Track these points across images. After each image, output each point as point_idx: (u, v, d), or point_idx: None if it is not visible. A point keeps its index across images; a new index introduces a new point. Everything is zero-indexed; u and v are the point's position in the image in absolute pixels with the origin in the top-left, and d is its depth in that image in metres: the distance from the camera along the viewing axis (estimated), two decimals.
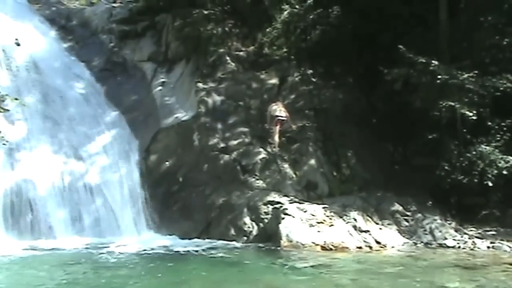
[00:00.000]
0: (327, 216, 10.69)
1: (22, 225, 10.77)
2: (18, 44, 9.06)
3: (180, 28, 14.75)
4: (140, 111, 13.62)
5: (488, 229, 11.26)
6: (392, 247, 10.39)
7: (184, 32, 14.61)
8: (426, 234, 10.99)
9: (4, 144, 9.60)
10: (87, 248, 10.12)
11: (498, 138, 11.70)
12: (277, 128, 12.52)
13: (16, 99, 9.65)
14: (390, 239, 10.60)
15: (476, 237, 10.86)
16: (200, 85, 13.66)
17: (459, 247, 10.49)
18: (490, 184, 11.18)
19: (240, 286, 7.17)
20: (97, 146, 12.54)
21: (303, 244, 10.00)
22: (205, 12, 14.65)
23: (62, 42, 15.29)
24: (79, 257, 9.30)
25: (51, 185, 11.40)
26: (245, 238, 10.74)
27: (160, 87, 14.23)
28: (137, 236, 11.31)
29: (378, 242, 10.38)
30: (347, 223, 10.67)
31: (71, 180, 11.68)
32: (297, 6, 14.68)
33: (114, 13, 16.33)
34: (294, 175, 12.03)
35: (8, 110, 9.59)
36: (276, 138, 12.50)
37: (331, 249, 9.93)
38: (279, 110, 12.59)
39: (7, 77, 12.60)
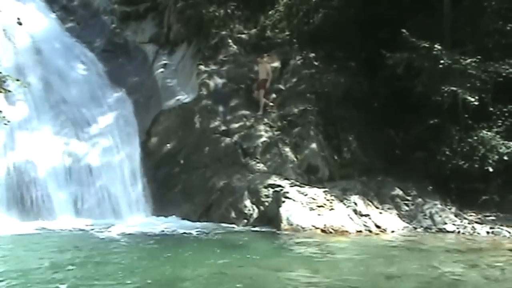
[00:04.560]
0: (328, 200, 10.73)
1: (23, 206, 10.80)
2: (20, 24, 9.02)
3: (182, 10, 14.65)
4: (142, 93, 13.61)
5: (488, 214, 11.32)
6: (392, 231, 10.45)
7: (186, 14, 14.52)
8: (426, 218, 11.04)
9: (5, 124, 9.59)
10: (87, 229, 10.15)
11: (500, 124, 11.70)
12: (263, 91, 12.73)
13: (18, 80, 9.62)
14: (390, 223, 10.65)
15: (476, 222, 10.92)
16: (202, 67, 13.61)
17: (458, 232, 10.55)
18: (491, 169, 11.20)
19: (240, 269, 7.22)
20: (99, 128, 12.53)
21: (303, 228, 10.05)
22: None
23: (64, 23, 15.20)
24: (80, 239, 9.36)
25: (52, 166, 11.42)
26: (245, 221, 10.79)
27: (161, 69, 14.19)
28: (137, 218, 11.35)
29: (378, 226, 10.44)
30: (347, 207, 10.72)
31: (72, 161, 11.69)
32: None
33: None
34: (295, 159, 12.04)
35: (9, 91, 9.57)
36: (262, 100, 12.71)
37: (331, 233, 9.98)
38: (265, 71, 12.84)
39: (8, 58, 12.54)
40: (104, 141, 12.34)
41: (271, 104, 12.90)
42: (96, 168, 11.82)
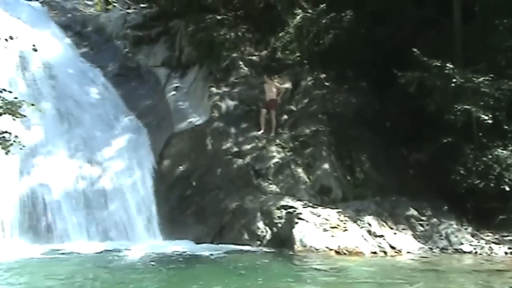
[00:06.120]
0: (341, 221, 10.63)
1: (37, 229, 10.84)
2: (35, 50, 9.16)
3: (194, 33, 14.85)
4: (154, 116, 13.72)
5: (505, 234, 11.10)
6: (408, 252, 10.30)
7: (197, 37, 14.70)
8: (442, 239, 10.88)
9: (20, 148, 9.68)
10: (101, 252, 10.14)
11: None
12: (274, 112, 12.75)
13: (33, 104, 9.75)
14: (405, 244, 10.50)
15: (493, 242, 10.72)
16: (213, 89, 13.72)
17: (475, 252, 10.37)
18: (507, 188, 11.04)
19: None
20: (112, 151, 12.61)
21: (317, 249, 9.95)
22: (218, 17, 14.76)
23: (78, 48, 15.48)
24: (95, 263, 9.32)
25: (66, 189, 11.48)
26: (258, 242, 10.71)
27: (173, 92, 14.33)
28: (151, 240, 11.33)
29: (393, 247, 10.30)
30: (361, 227, 10.61)
31: (86, 185, 11.75)
32: (309, 11, 14.68)
33: (128, 19, 16.51)
34: (307, 180, 11.99)
35: (25, 116, 9.68)
36: (274, 121, 12.72)
37: (345, 254, 9.86)
38: (276, 91, 12.89)
39: (24, 83, 12.77)
40: (117, 164, 12.41)
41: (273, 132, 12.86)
42: (109, 191, 11.86)
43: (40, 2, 17.06)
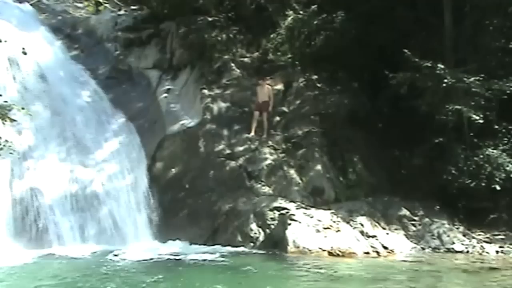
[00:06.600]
0: (334, 222, 10.67)
1: (30, 234, 10.76)
2: (25, 53, 9.08)
3: (185, 35, 14.82)
4: (146, 119, 13.67)
5: (496, 233, 11.21)
6: (400, 252, 10.36)
7: (189, 39, 14.68)
8: (434, 238, 10.95)
9: (11, 153, 9.61)
10: (94, 255, 10.12)
11: (505, 141, 11.67)
12: (266, 113, 12.78)
13: (23, 108, 9.68)
14: (398, 244, 10.56)
15: (485, 241, 10.81)
16: (205, 91, 13.71)
17: (467, 251, 10.45)
18: (498, 187, 11.15)
19: None
20: (104, 154, 12.55)
21: (310, 250, 9.99)
22: (210, 19, 14.73)
23: (68, 51, 15.36)
24: (87, 265, 9.31)
25: (58, 193, 11.41)
26: (251, 244, 10.72)
27: (165, 94, 14.28)
28: (144, 243, 11.30)
29: (385, 247, 10.35)
30: (354, 228, 10.65)
31: (78, 188, 11.68)
32: (301, 12, 14.70)
33: (119, 21, 16.42)
34: (300, 181, 12.01)
35: (15, 120, 9.62)
36: (266, 123, 12.76)
37: (338, 255, 9.90)
38: (267, 93, 12.91)
39: (14, 87, 12.67)
40: (109, 167, 12.36)
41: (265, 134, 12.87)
42: (102, 194, 11.81)
43: (30, 5, 16.93)
